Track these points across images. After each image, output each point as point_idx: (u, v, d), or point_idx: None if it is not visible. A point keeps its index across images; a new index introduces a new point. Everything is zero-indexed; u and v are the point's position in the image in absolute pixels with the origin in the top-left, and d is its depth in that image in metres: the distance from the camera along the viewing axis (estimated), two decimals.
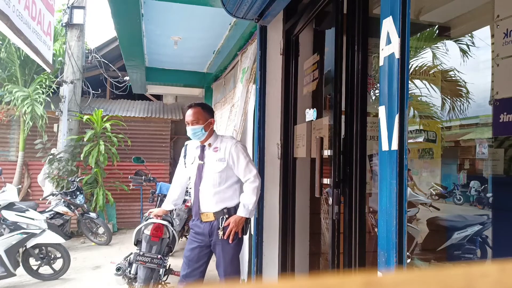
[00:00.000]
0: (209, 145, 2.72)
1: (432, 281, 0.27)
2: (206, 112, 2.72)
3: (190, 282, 2.67)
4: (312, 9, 2.53)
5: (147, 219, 3.36)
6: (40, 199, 6.12)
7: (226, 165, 2.65)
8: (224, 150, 2.67)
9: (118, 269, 3.34)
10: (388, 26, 1.32)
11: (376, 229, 1.95)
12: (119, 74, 8.13)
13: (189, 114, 2.70)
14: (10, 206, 4.21)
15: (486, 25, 2.19)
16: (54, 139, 7.23)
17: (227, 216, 2.63)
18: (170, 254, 3.52)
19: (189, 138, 2.82)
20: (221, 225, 2.62)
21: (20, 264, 4.19)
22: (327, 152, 2.14)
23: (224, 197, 2.66)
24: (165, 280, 3.37)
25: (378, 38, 1.39)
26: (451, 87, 2.92)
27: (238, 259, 2.73)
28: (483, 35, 2.35)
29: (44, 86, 7.01)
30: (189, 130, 2.69)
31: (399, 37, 1.26)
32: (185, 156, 2.87)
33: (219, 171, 2.64)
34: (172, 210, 4.13)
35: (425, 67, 2.87)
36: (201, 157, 2.72)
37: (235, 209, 2.65)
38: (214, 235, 2.64)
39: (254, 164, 2.79)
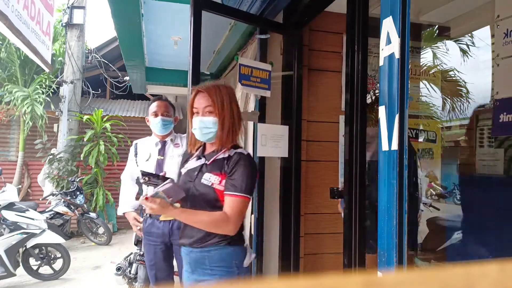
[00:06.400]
0: (172, 140, 2.71)
1: (432, 281, 0.27)
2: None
3: (163, 285, 2.57)
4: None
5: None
6: (40, 199, 6.13)
7: None
8: (185, 147, 2.63)
9: (118, 269, 3.34)
10: (388, 26, 1.32)
11: None
12: (119, 74, 8.13)
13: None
14: (10, 206, 4.21)
15: (486, 25, 2.19)
16: (54, 139, 7.23)
17: None
18: None
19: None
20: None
21: (20, 264, 4.19)
22: None
23: None
24: None
25: (378, 38, 1.39)
26: (451, 87, 2.92)
27: None
28: (483, 35, 2.35)
29: (44, 86, 7.02)
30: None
31: (399, 37, 1.26)
32: (136, 154, 2.76)
33: None
34: None
35: (425, 67, 2.86)
36: (162, 152, 2.66)
37: None
38: (175, 234, 2.51)
39: None
